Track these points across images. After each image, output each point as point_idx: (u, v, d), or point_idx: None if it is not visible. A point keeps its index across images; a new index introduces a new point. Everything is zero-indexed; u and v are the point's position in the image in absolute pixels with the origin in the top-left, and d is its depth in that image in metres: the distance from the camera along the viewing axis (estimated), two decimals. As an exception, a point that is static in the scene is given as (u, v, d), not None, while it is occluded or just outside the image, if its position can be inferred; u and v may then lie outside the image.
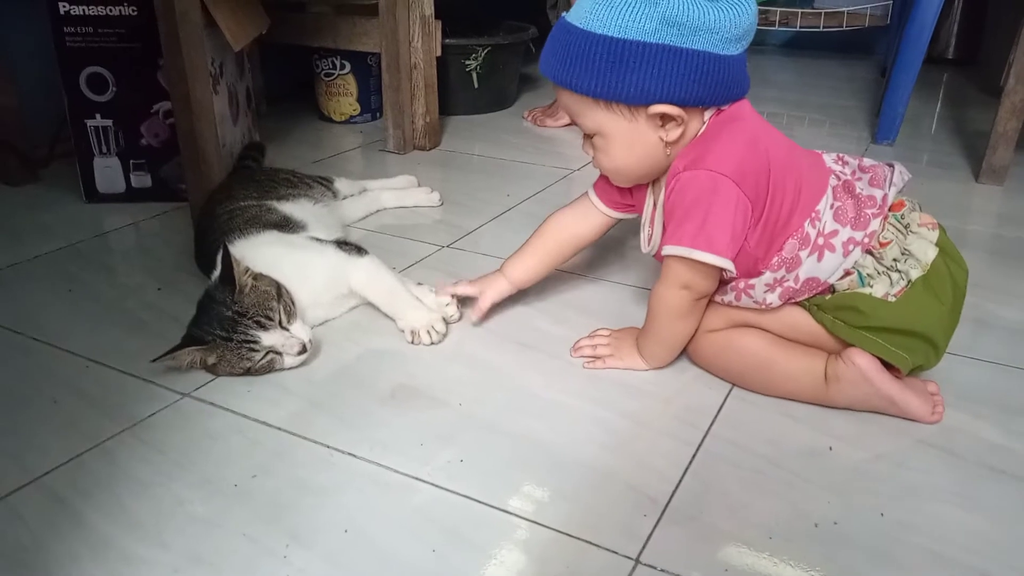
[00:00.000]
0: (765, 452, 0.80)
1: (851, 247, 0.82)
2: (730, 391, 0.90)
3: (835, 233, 0.83)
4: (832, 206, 0.84)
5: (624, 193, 0.97)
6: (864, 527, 0.71)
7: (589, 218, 1.02)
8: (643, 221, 0.94)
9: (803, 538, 0.69)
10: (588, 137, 0.88)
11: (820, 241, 0.83)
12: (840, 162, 0.89)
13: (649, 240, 0.93)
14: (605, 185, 0.98)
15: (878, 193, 0.84)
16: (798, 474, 0.77)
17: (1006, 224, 1.40)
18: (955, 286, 0.85)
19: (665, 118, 0.82)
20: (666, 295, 0.89)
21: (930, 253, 0.83)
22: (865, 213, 0.83)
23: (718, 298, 0.90)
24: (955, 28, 2.64)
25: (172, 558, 0.67)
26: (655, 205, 0.90)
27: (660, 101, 0.81)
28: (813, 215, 0.83)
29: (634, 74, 0.79)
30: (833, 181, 0.85)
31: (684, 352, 0.95)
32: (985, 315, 1.06)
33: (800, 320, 0.87)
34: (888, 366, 0.84)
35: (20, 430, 0.84)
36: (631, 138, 0.85)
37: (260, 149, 1.50)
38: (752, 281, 0.86)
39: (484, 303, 1.02)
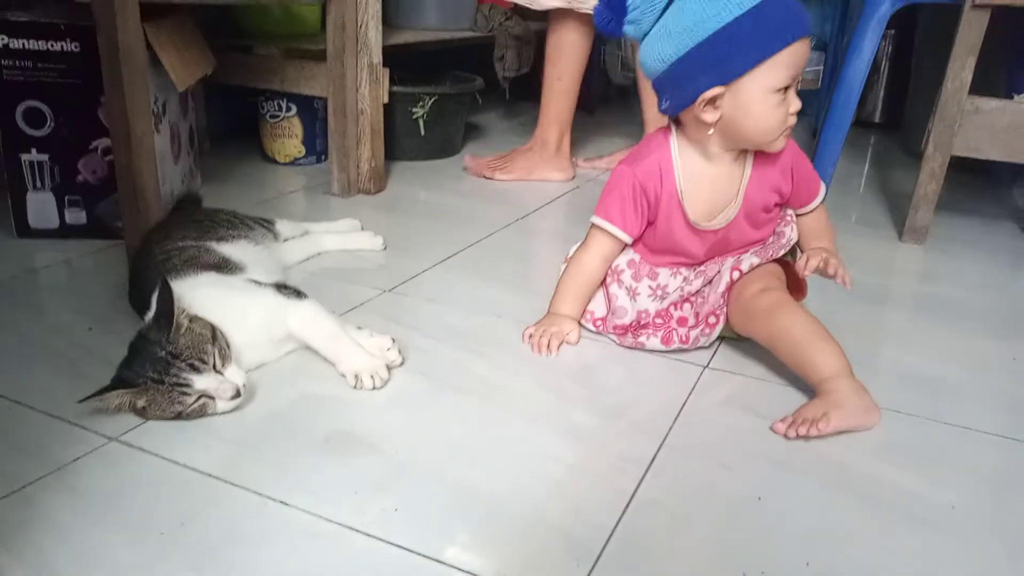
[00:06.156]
0: (697, 500, 0.81)
1: None
2: (664, 440, 0.91)
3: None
4: None
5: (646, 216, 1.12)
6: (791, 576, 0.72)
7: (616, 251, 1.15)
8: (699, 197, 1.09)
9: (732, 587, 0.71)
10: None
11: None
12: None
13: (712, 215, 1.10)
14: (630, 218, 1.11)
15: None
16: (728, 523, 0.79)
17: (926, 281, 1.47)
18: None
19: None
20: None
21: None
22: None
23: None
24: (881, 93, 2.78)
25: (91, 610, 0.65)
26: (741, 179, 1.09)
27: None
28: None
29: None
30: None
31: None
32: (906, 368, 1.11)
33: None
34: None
35: (-67, 474, 0.80)
36: None
37: (196, 201, 1.43)
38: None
39: (574, 338, 1.14)
